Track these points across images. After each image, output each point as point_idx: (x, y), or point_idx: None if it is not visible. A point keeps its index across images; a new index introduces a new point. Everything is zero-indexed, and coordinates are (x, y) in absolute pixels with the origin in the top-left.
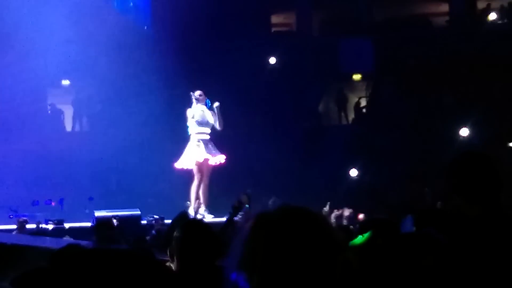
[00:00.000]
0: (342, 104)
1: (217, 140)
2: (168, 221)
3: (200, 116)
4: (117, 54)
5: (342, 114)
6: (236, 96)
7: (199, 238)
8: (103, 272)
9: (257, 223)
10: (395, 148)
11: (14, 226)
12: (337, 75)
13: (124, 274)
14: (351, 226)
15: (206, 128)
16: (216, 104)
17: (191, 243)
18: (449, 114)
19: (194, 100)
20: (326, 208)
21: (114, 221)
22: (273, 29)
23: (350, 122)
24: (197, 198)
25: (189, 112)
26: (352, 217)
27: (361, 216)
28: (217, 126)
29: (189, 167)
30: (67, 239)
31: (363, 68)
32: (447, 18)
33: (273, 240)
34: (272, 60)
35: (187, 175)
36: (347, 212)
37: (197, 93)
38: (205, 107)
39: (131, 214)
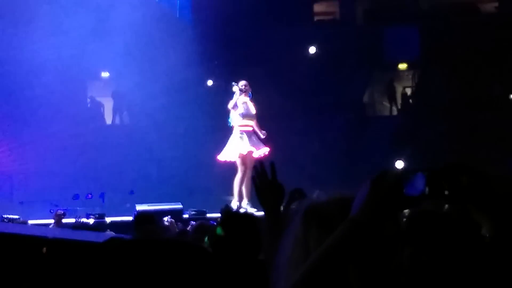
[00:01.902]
0: (387, 94)
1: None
2: (210, 215)
3: (243, 107)
4: (156, 46)
5: (387, 104)
6: (278, 86)
7: (242, 232)
8: (151, 262)
9: (307, 215)
10: (442, 139)
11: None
12: (382, 64)
13: (175, 264)
14: None
15: (250, 121)
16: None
17: (235, 238)
18: (499, 104)
19: (237, 91)
20: None
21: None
22: (316, 18)
23: (395, 112)
24: (240, 191)
25: (231, 104)
26: None
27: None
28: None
29: (232, 160)
30: (109, 233)
31: (409, 57)
32: (496, 4)
33: (324, 231)
34: (314, 50)
35: (230, 168)
36: None
37: (242, 83)
38: (248, 98)
39: (173, 208)
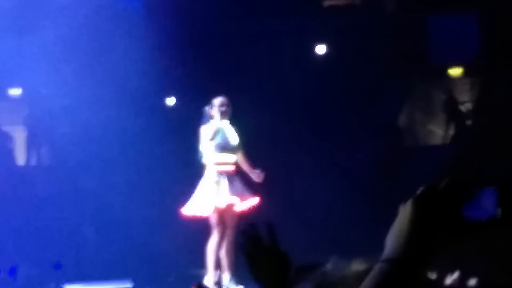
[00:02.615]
0: (433, 114)
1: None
2: None
3: (221, 137)
4: (94, 49)
5: (435, 128)
6: (273, 105)
7: None
8: None
9: None
10: None
11: None
12: (425, 69)
13: None
14: None
15: (230, 155)
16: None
17: None
18: None
19: (212, 113)
20: None
21: None
22: (326, 3)
23: (447, 140)
24: (217, 261)
25: (205, 131)
26: None
27: None
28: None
29: (204, 215)
30: None
31: (465, 57)
32: None
33: None
34: (325, 49)
35: (201, 227)
36: None
37: (218, 101)
38: (227, 123)
39: None
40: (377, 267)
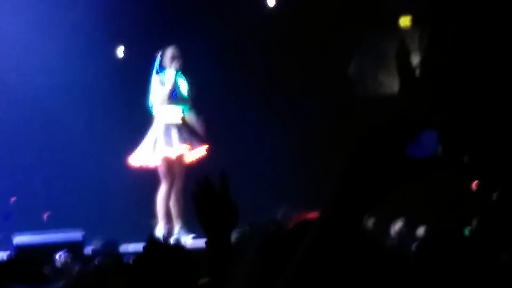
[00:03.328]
0: (383, 64)
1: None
2: (125, 248)
3: (170, 87)
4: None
5: (385, 80)
6: (222, 56)
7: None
8: None
9: (264, 250)
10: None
11: None
12: (375, 19)
13: None
14: None
15: (180, 106)
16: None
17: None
18: None
19: (164, 63)
20: None
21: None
22: None
23: (396, 91)
24: (167, 211)
25: (154, 81)
26: None
27: None
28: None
29: (152, 165)
30: None
31: (414, 6)
32: None
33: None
34: (273, 1)
35: (149, 177)
36: None
37: (170, 52)
38: (178, 73)
39: (70, 239)
40: (320, 212)
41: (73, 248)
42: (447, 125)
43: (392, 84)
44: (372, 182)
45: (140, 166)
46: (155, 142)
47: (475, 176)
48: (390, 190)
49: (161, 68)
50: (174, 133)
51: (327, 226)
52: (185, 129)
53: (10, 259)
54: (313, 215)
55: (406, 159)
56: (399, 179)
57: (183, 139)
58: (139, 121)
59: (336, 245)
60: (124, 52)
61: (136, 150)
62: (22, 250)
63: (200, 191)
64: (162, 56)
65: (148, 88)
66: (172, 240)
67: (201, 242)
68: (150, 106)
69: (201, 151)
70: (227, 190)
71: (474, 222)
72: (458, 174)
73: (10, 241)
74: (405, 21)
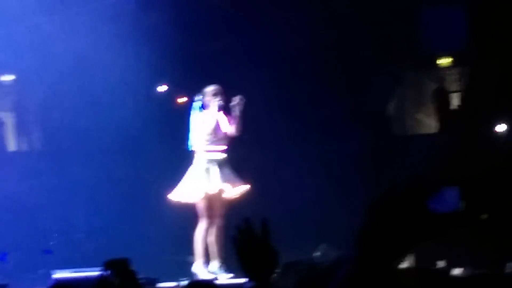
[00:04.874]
0: (422, 103)
1: (234, 163)
2: (162, 285)
3: (212, 125)
4: (83, 36)
5: (423, 118)
6: (260, 94)
7: None
8: None
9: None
10: (503, 165)
11: None
12: (415, 58)
13: None
14: None
15: (221, 145)
16: (236, 101)
17: None
18: None
19: (205, 100)
20: None
21: None
22: None
23: (435, 130)
24: (206, 248)
25: (196, 118)
26: None
27: None
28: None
29: (192, 201)
30: None
31: (454, 47)
32: None
33: None
34: (315, 37)
35: (188, 214)
36: None
37: (210, 89)
38: (219, 111)
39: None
40: (345, 267)
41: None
42: (469, 181)
43: (430, 123)
44: (393, 240)
45: (180, 202)
46: (196, 179)
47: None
48: (411, 246)
49: (203, 106)
50: (215, 170)
51: (350, 279)
52: (227, 165)
53: None
54: None
55: (427, 216)
56: (420, 236)
57: (224, 177)
58: (180, 158)
59: None
60: (166, 89)
61: (177, 186)
62: (61, 286)
63: (240, 236)
64: (204, 94)
65: (189, 125)
66: (210, 278)
67: (239, 282)
68: (191, 143)
69: (241, 189)
70: (268, 236)
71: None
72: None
73: (50, 276)
74: (444, 62)
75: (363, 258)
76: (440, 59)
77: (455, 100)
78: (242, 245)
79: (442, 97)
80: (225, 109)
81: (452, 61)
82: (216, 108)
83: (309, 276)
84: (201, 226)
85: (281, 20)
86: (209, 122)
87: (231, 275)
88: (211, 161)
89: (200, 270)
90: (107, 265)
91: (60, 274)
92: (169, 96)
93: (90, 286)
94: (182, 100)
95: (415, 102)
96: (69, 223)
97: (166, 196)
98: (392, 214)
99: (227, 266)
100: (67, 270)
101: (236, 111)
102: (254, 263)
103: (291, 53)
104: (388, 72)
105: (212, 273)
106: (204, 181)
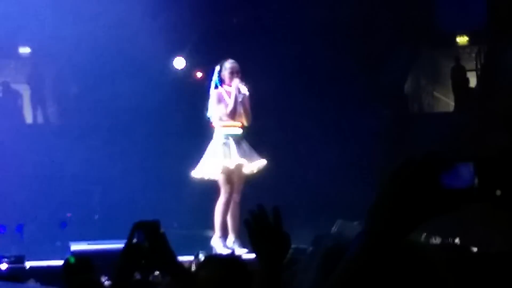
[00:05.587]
0: (439, 81)
1: (251, 138)
2: (181, 259)
3: (231, 101)
4: (99, 10)
5: (440, 96)
6: (278, 70)
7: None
8: None
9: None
10: None
11: None
12: (431, 37)
13: None
14: None
15: (239, 121)
16: (243, 88)
17: None
18: None
19: (222, 75)
20: None
21: None
22: None
23: (452, 109)
24: (224, 223)
25: (214, 95)
26: None
27: None
28: (244, 120)
29: (213, 177)
30: (32, 284)
31: (471, 26)
32: None
33: None
34: (332, 15)
35: (209, 189)
36: None
37: (228, 65)
38: (237, 86)
39: None
40: (358, 239)
41: None
42: (484, 158)
43: (447, 100)
44: (406, 214)
45: (201, 178)
46: (215, 155)
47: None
48: (424, 221)
49: (220, 81)
50: (233, 145)
51: (362, 252)
52: (244, 141)
53: (66, 266)
54: None
55: (440, 191)
56: (433, 211)
57: (241, 152)
58: (200, 134)
59: (371, 268)
60: (185, 64)
61: (199, 164)
62: (79, 257)
63: (253, 220)
64: (220, 70)
65: (207, 101)
66: (227, 252)
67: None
68: (210, 119)
69: (260, 163)
70: (279, 222)
71: None
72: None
73: (68, 248)
74: (462, 40)
75: (375, 232)
76: (457, 37)
77: (472, 79)
78: (254, 229)
79: (459, 75)
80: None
81: (470, 40)
82: (234, 83)
83: (334, 251)
84: (220, 201)
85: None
86: (226, 97)
87: (246, 250)
88: (228, 136)
89: (218, 244)
90: (137, 226)
91: (76, 246)
92: (188, 71)
93: (107, 258)
94: (200, 74)
95: (432, 80)
96: (86, 196)
97: (184, 169)
98: (405, 188)
99: (242, 240)
100: (84, 242)
101: (242, 98)
102: (265, 248)
103: (309, 30)
104: (406, 50)
105: (229, 247)
106: (222, 156)
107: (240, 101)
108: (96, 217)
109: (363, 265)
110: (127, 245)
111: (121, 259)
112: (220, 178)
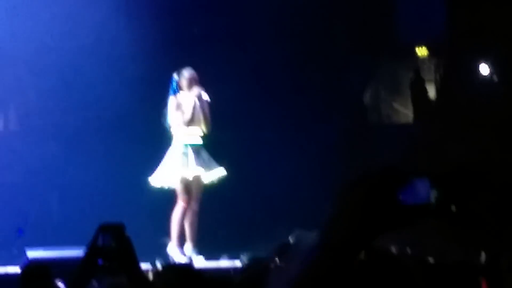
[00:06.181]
0: (398, 92)
1: (210, 147)
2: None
3: (189, 109)
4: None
5: (399, 107)
6: (237, 78)
7: None
8: None
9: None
10: (475, 158)
11: None
12: (391, 48)
13: None
14: None
15: (198, 128)
16: (204, 95)
17: None
18: None
19: (180, 83)
20: None
21: None
22: None
23: (410, 119)
24: (181, 231)
25: (172, 102)
26: None
27: None
28: (203, 127)
29: (171, 186)
30: None
31: (431, 37)
32: None
33: None
34: (290, 23)
35: (166, 197)
36: None
37: (187, 73)
38: (196, 94)
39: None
40: (313, 253)
41: None
42: (440, 174)
43: (406, 112)
44: (362, 228)
45: (160, 186)
46: (173, 163)
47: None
48: (379, 235)
49: (178, 89)
50: (192, 154)
51: (317, 265)
52: (203, 150)
53: (24, 273)
54: None
55: (397, 206)
56: (389, 225)
57: (200, 161)
58: (158, 141)
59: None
60: (144, 70)
61: (156, 170)
62: (36, 264)
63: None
64: (179, 77)
65: (166, 108)
66: (184, 260)
67: (211, 264)
68: (168, 126)
69: (218, 173)
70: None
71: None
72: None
73: (24, 255)
74: (421, 51)
75: (329, 246)
76: (417, 48)
77: (431, 90)
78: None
79: (418, 87)
80: (200, 93)
81: (429, 51)
82: (192, 92)
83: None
84: (178, 209)
85: (258, 5)
86: (184, 105)
87: (202, 256)
88: (187, 145)
89: (175, 251)
90: (102, 229)
91: (34, 253)
92: (150, 75)
93: (65, 265)
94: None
95: (391, 91)
96: (42, 203)
97: (142, 176)
98: (361, 202)
99: (199, 248)
100: (41, 249)
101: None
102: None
103: (269, 39)
104: (365, 61)
105: (186, 255)
106: (180, 165)
107: (200, 107)
108: (54, 224)
109: (317, 279)
110: (92, 246)
111: (83, 261)
112: (178, 187)
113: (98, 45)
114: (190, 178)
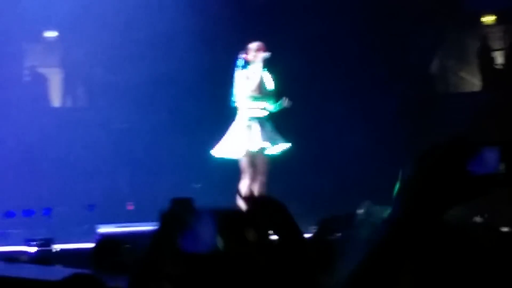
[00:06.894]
0: (466, 61)
1: (275, 120)
2: None
3: (255, 82)
4: None
5: (467, 76)
6: (306, 52)
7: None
8: None
9: None
10: None
11: None
12: (457, 16)
13: None
14: None
15: (263, 102)
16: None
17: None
18: None
19: (248, 58)
20: None
21: None
22: None
23: (478, 89)
24: None
25: (239, 75)
26: None
27: None
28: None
29: (234, 157)
30: (60, 268)
31: (498, 4)
32: None
33: None
34: None
35: (231, 169)
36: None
37: (254, 45)
38: (261, 68)
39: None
40: (383, 227)
41: None
42: (509, 142)
43: (474, 80)
44: (432, 201)
45: (223, 156)
46: (238, 136)
47: None
48: (450, 207)
49: (246, 63)
50: (257, 128)
51: (388, 242)
52: (268, 123)
53: (96, 248)
54: None
55: (467, 177)
56: (460, 197)
57: (265, 134)
58: (223, 114)
59: (399, 256)
60: (209, 46)
61: (220, 142)
62: (106, 240)
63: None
64: (246, 51)
65: (232, 82)
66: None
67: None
68: (234, 100)
69: (283, 147)
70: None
71: None
72: None
73: (96, 231)
74: (488, 19)
75: (400, 219)
76: (484, 16)
77: (498, 59)
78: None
79: (485, 55)
80: (268, 66)
81: (497, 19)
82: (259, 65)
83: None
84: (244, 182)
85: None
86: (251, 79)
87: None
88: (253, 118)
89: None
90: (174, 202)
91: (105, 229)
92: (215, 52)
93: (136, 241)
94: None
95: (458, 60)
96: (113, 179)
97: (210, 152)
98: (431, 175)
99: None
100: (112, 225)
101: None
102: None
103: (335, 11)
104: (432, 30)
105: None
106: (245, 138)
107: (265, 80)
108: (124, 200)
109: (390, 253)
110: (167, 214)
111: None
112: (242, 161)
113: (162, 22)
114: (255, 152)
